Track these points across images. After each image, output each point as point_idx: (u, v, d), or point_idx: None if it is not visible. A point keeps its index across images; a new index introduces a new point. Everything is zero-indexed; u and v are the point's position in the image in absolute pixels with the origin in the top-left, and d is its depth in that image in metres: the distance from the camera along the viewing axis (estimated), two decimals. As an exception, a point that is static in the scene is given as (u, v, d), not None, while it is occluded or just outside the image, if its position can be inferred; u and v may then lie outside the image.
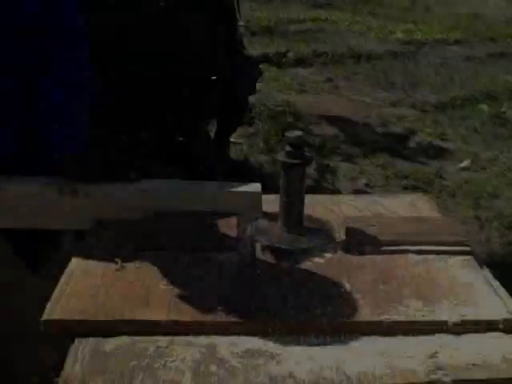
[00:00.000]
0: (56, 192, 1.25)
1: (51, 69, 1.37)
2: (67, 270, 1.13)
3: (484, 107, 5.66)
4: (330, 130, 5.16)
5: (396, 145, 4.77)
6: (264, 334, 1.01)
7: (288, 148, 1.21)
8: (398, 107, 5.70)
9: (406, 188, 4.01)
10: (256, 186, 1.31)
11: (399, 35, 8.84)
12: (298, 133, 1.21)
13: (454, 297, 1.10)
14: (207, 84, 2.01)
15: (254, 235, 1.27)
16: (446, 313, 1.06)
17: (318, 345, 1.00)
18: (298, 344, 1.00)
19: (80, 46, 1.43)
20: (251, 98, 2.83)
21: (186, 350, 0.97)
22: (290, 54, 7.28)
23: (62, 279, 1.10)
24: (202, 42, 1.94)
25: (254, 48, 6.98)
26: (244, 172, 3.96)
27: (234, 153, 4.16)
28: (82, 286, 1.08)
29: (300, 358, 0.97)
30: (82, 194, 1.24)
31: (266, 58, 7.01)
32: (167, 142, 2.64)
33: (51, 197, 1.25)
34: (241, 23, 2.63)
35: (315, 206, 1.38)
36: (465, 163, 4.47)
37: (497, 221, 3.66)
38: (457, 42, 8.83)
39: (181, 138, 2.84)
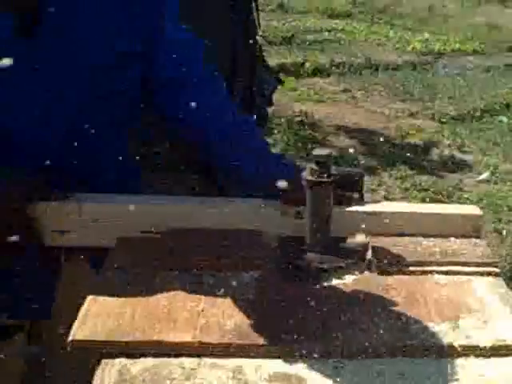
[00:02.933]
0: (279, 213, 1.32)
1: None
2: (92, 290, 1.12)
3: (503, 119, 5.63)
4: (347, 141, 5.16)
5: (415, 157, 4.75)
6: (291, 357, 1.00)
7: (315, 166, 1.20)
8: (416, 118, 5.68)
9: (425, 201, 3.99)
10: (474, 208, 1.33)
11: (417, 46, 8.83)
12: (326, 151, 1.20)
13: (483, 320, 1.08)
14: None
15: (279, 254, 1.26)
16: (475, 337, 1.04)
17: (345, 369, 0.99)
18: (326, 368, 0.98)
19: None
20: (269, 109, 2.80)
21: (212, 373, 0.96)
22: (308, 64, 7.29)
23: (88, 299, 1.09)
24: (221, 52, 1.94)
25: (271, 58, 6.99)
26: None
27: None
28: (107, 306, 1.08)
29: (327, 382, 0.96)
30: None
31: (283, 68, 7.02)
32: (185, 153, 2.64)
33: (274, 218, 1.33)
34: (259, 33, 2.63)
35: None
36: (484, 175, 4.44)
37: (517, 235, 3.63)
38: (475, 52, 8.80)
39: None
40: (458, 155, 4.85)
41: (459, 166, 4.62)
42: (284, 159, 1.44)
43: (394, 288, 1.17)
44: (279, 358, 1.00)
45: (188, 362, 0.98)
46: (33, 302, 1.38)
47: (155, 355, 0.99)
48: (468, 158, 4.80)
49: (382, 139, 5.09)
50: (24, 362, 1.46)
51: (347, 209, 1.33)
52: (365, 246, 1.28)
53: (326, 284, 1.18)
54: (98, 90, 1.33)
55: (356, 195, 1.34)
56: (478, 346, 1.02)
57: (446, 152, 4.90)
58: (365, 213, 1.33)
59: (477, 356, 1.02)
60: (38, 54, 1.27)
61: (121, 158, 1.45)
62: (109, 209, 1.31)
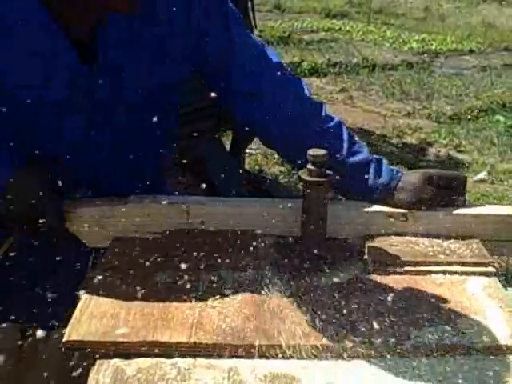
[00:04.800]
0: (385, 217, 1.35)
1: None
2: (87, 290, 1.12)
3: (500, 118, 5.63)
4: (344, 141, 5.12)
5: (411, 156, 4.75)
6: (286, 358, 1.00)
7: (311, 166, 1.19)
8: (413, 118, 5.68)
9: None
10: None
11: (414, 45, 8.84)
12: (321, 151, 1.19)
13: (479, 320, 1.08)
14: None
15: (273, 254, 1.26)
16: (470, 336, 1.04)
17: (340, 369, 0.98)
18: (322, 368, 0.98)
19: None
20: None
21: (207, 374, 0.96)
22: (304, 64, 7.28)
23: (82, 299, 1.09)
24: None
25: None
26: (258, 183, 3.94)
27: (248, 164, 4.15)
28: (102, 306, 1.07)
29: (323, 382, 0.95)
30: (411, 219, 1.35)
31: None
32: (181, 152, 2.64)
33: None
34: (255, 33, 2.62)
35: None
36: (481, 175, 4.43)
37: (514, 234, 3.62)
38: (471, 52, 8.81)
39: (194, 147, 2.86)
40: (455, 155, 4.85)
41: (456, 166, 4.61)
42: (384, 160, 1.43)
43: (390, 287, 1.17)
44: (275, 358, 1.00)
45: (183, 362, 0.98)
46: (49, 306, 1.38)
47: (150, 356, 0.99)
48: (465, 157, 4.80)
49: (378, 139, 5.09)
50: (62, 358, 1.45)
51: (454, 211, 1.35)
52: (360, 245, 1.28)
53: (322, 284, 1.18)
54: (140, 115, 1.35)
55: (461, 198, 1.36)
56: (472, 346, 1.02)
57: (443, 152, 4.90)
58: (472, 216, 1.35)
59: (471, 355, 1.02)
60: (95, 82, 1.27)
61: (155, 171, 1.50)
62: (215, 211, 1.33)
